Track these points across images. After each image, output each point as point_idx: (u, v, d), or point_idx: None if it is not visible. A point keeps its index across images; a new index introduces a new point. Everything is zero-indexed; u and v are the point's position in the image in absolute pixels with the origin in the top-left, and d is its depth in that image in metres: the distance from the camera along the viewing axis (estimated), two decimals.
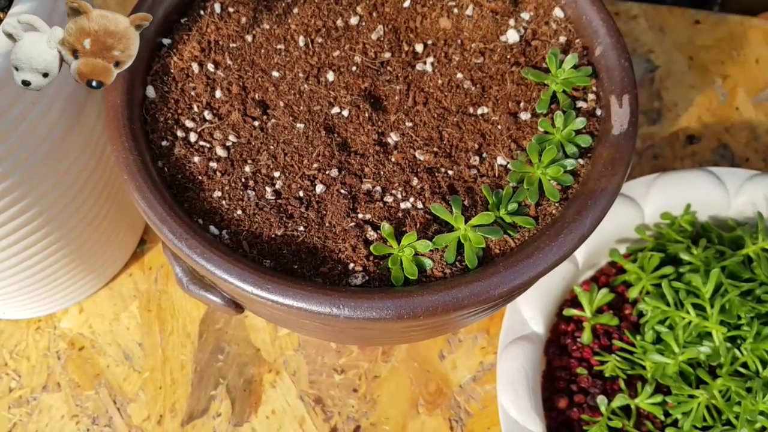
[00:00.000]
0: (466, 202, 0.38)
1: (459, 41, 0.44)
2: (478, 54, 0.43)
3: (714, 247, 0.51)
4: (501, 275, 0.35)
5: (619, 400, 0.47)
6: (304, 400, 0.54)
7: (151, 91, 0.41)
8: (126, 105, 0.39)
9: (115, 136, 0.39)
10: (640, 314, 0.51)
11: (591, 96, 0.42)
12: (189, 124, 0.41)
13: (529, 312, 0.51)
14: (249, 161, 0.40)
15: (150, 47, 0.42)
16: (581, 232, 0.37)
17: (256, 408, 0.53)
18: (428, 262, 0.37)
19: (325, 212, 0.38)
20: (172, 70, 0.42)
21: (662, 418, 0.47)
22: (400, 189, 0.39)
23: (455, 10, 0.45)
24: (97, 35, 0.33)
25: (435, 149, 0.40)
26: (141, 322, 0.57)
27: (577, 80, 0.42)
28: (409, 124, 0.41)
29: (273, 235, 0.38)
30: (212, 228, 0.38)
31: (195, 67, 0.42)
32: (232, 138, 0.40)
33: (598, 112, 0.42)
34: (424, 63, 0.43)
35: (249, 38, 0.43)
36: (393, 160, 0.40)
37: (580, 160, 0.40)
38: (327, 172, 0.39)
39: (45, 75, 0.33)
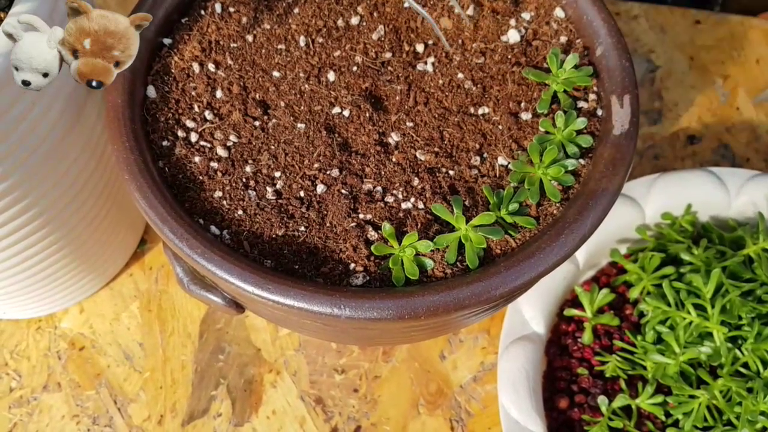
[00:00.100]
0: (467, 203, 0.38)
1: (460, 41, 0.44)
2: (479, 54, 0.43)
3: (715, 247, 0.51)
4: (502, 275, 0.35)
5: (620, 401, 0.47)
6: (304, 400, 0.54)
7: (151, 91, 0.41)
8: (127, 105, 0.39)
9: (116, 136, 0.39)
10: (641, 314, 0.51)
11: (592, 96, 0.42)
12: (190, 124, 0.41)
13: (530, 312, 0.51)
14: (250, 161, 0.40)
15: (151, 47, 0.42)
16: (582, 232, 0.37)
17: (257, 408, 0.53)
18: (429, 263, 0.37)
19: (326, 212, 0.38)
20: (172, 70, 0.42)
21: (663, 418, 0.47)
22: (401, 189, 0.39)
23: (456, 10, 0.45)
24: (97, 35, 0.33)
25: (436, 149, 0.40)
26: (141, 322, 0.57)
27: (578, 80, 0.42)
28: (410, 124, 0.41)
29: (274, 235, 0.38)
30: (213, 228, 0.38)
31: (196, 67, 0.42)
32: (232, 138, 0.40)
33: (599, 112, 0.42)
34: (425, 63, 0.43)
35: (250, 38, 0.43)
36: (394, 160, 0.40)
37: (581, 161, 0.40)
38: (328, 172, 0.39)
39: (45, 75, 0.33)
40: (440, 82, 0.42)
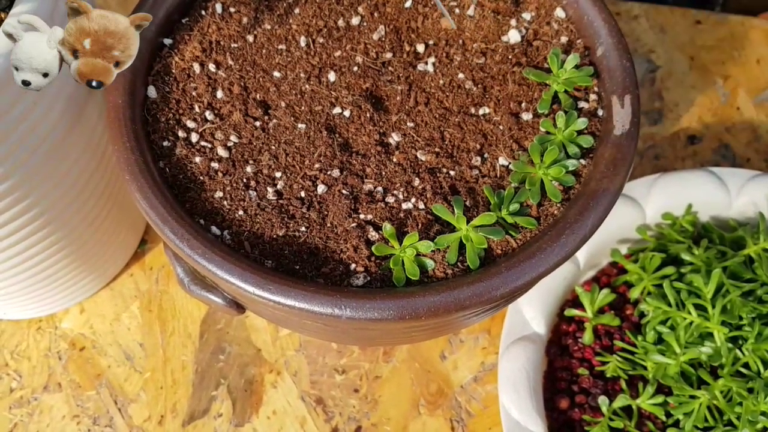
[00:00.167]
0: (467, 203, 0.38)
1: (460, 41, 0.44)
2: (480, 54, 0.43)
3: (715, 247, 0.51)
4: (503, 276, 0.35)
5: (621, 401, 0.47)
6: (305, 401, 0.54)
7: (152, 92, 0.41)
8: (127, 105, 0.39)
9: (117, 137, 0.39)
10: (642, 314, 0.51)
11: (592, 96, 0.42)
12: (190, 124, 0.41)
13: (531, 312, 0.51)
14: (250, 161, 0.40)
15: (151, 47, 0.42)
16: (583, 232, 0.37)
17: (257, 408, 0.53)
18: (430, 263, 0.37)
19: (326, 213, 0.38)
20: (173, 71, 0.42)
21: (663, 418, 0.47)
22: (401, 189, 0.39)
23: (457, 11, 0.45)
24: (97, 35, 0.33)
25: (436, 149, 0.40)
26: (142, 323, 0.57)
27: (579, 80, 0.42)
28: (410, 124, 0.41)
29: (274, 236, 0.38)
30: (214, 228, 0.38)
31: (196, 67, 0.42)
32: (233, 138, 0.40)
33: (600, 112, 0.42)
34: (426, 63, 0.43)
35: (250, 38, 0.43)
36: (394, 160, 0.40)
37: (582, 161, 0.40)
38: (328, 173, 0.39)
39: (45, 75, 0.33)
40: (441, 82, 0.42)
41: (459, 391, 0.54)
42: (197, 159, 0.40)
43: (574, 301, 0.53)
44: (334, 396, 0.54)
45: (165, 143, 0.40)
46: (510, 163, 0.40)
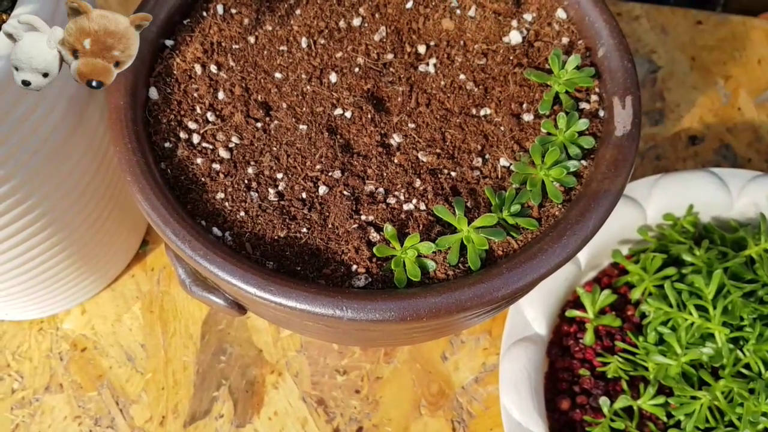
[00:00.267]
0: (468, 204, 0.38)
1: (462, 42, 0.44)
2: (481, 55, 0.43)
3: (716, 248, 0.51)
4: (504, 277, 0.35)
5: (622, 402, 0.47)
6: (306, 402, 0.54)
7: (153, 93, 0.41)
8: (129, 106, 0.39)
9: (118, 138, 0.39)
10: (643, 315, 0.51)
11: (594, 97, 0.42)
12: (192, 125, 0.41)
13: (532, 313, 0.51)
14: (252, 163, 0.40)
15: (153, 48, 0.42)
16: (584, 233, 0.37)
17: (259, 409, 0.53)
18: (431, 264, 0.37)
19: (327, 214, 0.38)
20: (174, 72, 0.42)
21: (665, 419, 0.47)
22: (402, 190, 0.39)
23: (458, 12, 0.45)
24: (97, 35, 0.32)
25: (438, 151, 0.40)
26: (143, 324, 0.57)
27: (580, 81, 0.42)
28: (411, 125, 0.41)
29: (276, 237, 0.38)
30: (215, 230, 0.38)
31: (198, 68, 0.42)
32: (234, 139, 0.40)
33: (601, 113, 0.42)
34: (427, 64, 0.43)
35: (252, 39, 0.43)
36: (396, 161, 0.40)
37: (583, 162, 0.40)
38: (330, 174, 0.39)
39: (45, 75, 0.33)
40: (442, 83, 0.42)
41: (460, 392, 0.54)
42: (199, 160, 0.40)
43: (576, 302, 0.53)
44: (336, 397, 0.54)
45: (166, 144, 0.40)
46: (511, 164, 0.40)
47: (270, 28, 0.44)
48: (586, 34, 0.44)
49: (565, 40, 0.44)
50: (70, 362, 0.55)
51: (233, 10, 0.44)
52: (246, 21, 0.44)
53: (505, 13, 0.45)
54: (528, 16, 0.45)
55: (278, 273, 0.36)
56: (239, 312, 0.42)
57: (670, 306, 0.49)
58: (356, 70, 0.42)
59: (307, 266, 0.37)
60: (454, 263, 0.37)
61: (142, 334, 0.56)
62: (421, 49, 0.43)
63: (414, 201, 0.39)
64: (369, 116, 0.41)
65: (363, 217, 0.38)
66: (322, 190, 0.39)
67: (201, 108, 0.41)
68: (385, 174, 0.39)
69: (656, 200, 0.54)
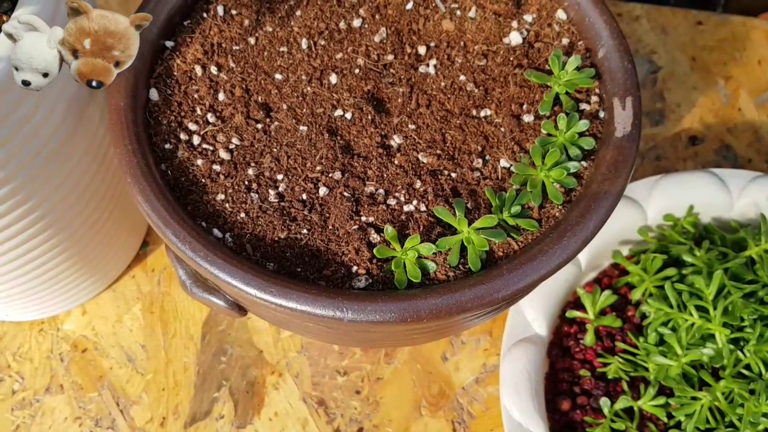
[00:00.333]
0: (469, 205, 0.38)
1: (462, 43, 0.44)
2: (481, 56, 0.43)
3: (717, 248, 0.51)
4: (504, 278, 0.35)
5: (622, 402, 0.47)
6: (306, 402, 0.54)
7: (154, 94, 0.41)
8: (129, 108, 0.39)
9: (119, 139, 0.39)
10: (643, 316, 0.51)
11: (594, 98, 0.42)
12: (192, 126, 0.41)
13: (532, 314, 0.51)
14: (252, 164, 0.40)
15: (153, 50, 0.42)
16: (585, 234, 0.37)
17: (259, 410, 0.53)
18: (431, 265, 0.37)
19: (328, 215, 0.38)
20: (175, 73, 0.42)
21: (665, 420, 0.47)
22: (403, 192, 0.39)
23: (458, 13, 0.45)
24: (97, 35, 0.33)
25: (438, 152, 0.40)
26: (144, 324, 0.57)
27: (580, 82, 0.42)
28: (412, 126, 0.41)
29: (276, 238, 0.38)
30: (216, 231, 0.38)
31: (198, 69, 0.42)
32: (235, 141, 0.40)
33: (601, 114, 0.42)
34: (427, 65, 0.43)
35: (252, 41, 0.43)
36: (396, 162, 0.40)
37: (584, 163, 0.40)
38: (330, 175, 0.39)
39: (45, 75, 0.33)
40: (442, 84, 0.42)
41: (461, 393, 0.54)
42: (199, 161, 0.40)
43: (576, 303, 0.53)
44: (336, 397, 0.54)
45: (167, 146, 0.40)
46: (511, 165, 0.40)
47: (270, 29, 0.44)
48: (586, 34, 0.44)
49: (565, 41, 0.44)
50: (70, 363, 0.55)
51: (233, 12, 0.44)
52: (246, 22, 0.44)
53: (505, 14, 0.45)
54: (528, 17, 0.45)
55: (279, 274, 0.36)
56: (240, 313, 0.42)
57: (671, 307, 0.49)
58: (356, 71, 0.42)
59: (307, 267, 0.37)
60: (455, 264, 0.37)
61: (143, 334, 0.56)
62: (422, 50, 0.44)
63: (414, 202, 0.39)
64: (369, 117, 0.41)
65: (363, 219, 0.38)
66: (323, 191, 0.39)
67: (201, 109, 0.41)
68: (385, 175, 0.39)
69: (656, 201, 0.54)
